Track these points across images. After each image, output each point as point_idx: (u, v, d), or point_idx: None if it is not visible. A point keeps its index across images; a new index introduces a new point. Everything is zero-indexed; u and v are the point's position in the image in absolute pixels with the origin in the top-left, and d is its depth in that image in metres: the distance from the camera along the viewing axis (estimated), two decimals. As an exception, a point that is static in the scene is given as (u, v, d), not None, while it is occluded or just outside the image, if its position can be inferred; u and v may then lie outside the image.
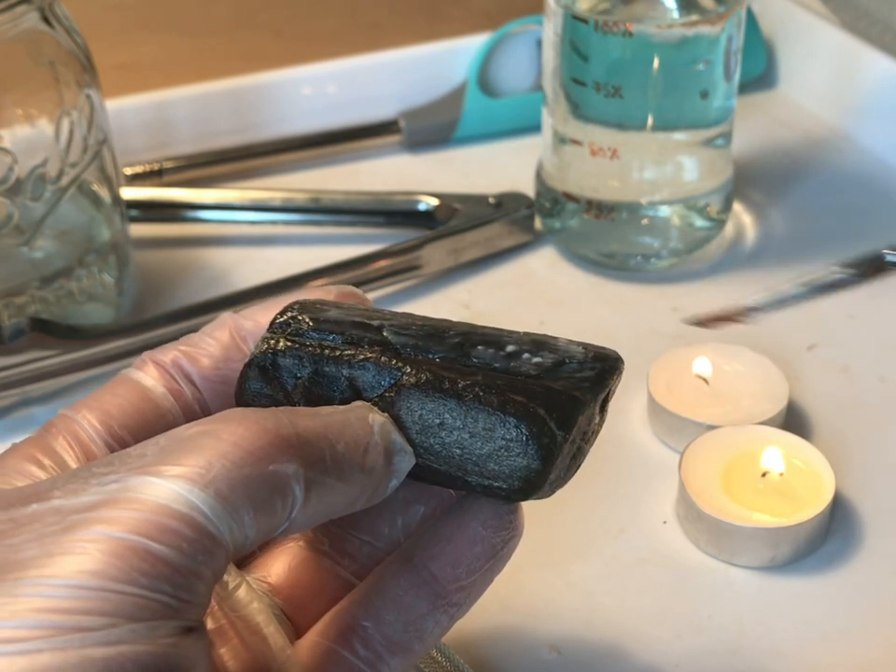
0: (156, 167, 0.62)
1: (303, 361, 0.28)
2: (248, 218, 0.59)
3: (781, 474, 0.41)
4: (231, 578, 0.29)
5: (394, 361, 0.28)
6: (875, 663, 0.37)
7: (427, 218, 0.58)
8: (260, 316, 0.30)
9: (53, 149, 0.47)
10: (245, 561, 0.31)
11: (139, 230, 0.58)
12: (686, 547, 0.41)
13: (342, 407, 0.27)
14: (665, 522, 0.42)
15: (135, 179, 0.61)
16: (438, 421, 0.27)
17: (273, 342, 0.29)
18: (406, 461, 0.27)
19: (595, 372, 0.28)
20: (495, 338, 0.29)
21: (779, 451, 0.41)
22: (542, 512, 0.42)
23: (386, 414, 0.27)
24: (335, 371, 0.28)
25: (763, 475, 0.41)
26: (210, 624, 0.28)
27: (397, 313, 0.30)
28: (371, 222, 0.59)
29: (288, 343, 0.29)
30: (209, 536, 0.22)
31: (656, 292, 0.54)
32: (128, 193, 0.58)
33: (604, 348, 0.29)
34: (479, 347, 0.28)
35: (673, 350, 0.47)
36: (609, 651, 0.38)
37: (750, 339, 0.48)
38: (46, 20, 0.46)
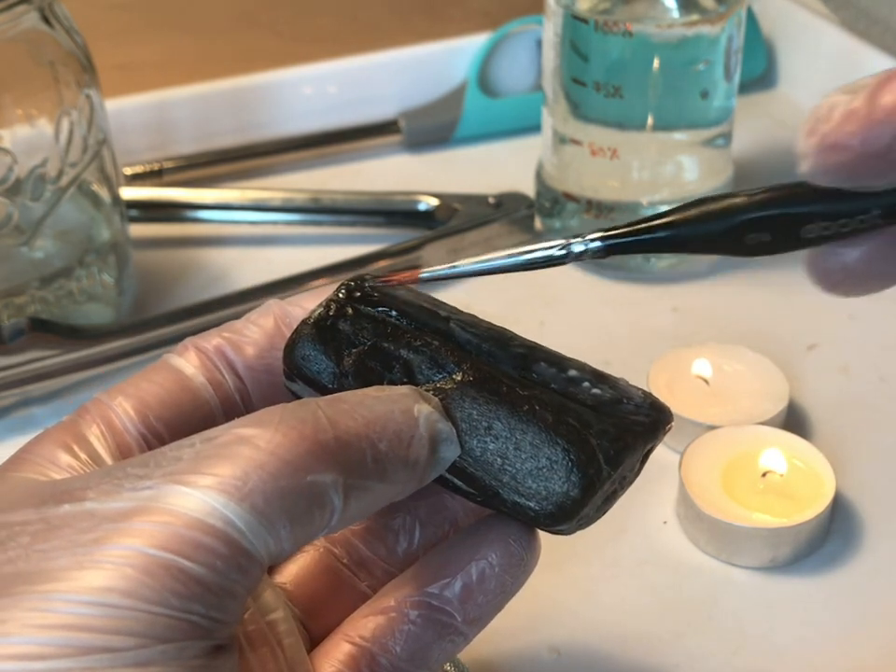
0: (156, 167, 0.62)
1: (364, 332, 0.27)
2: (248, 218, 0.59)
3: (782, 474, 0.41)
4: None
5: (455, 354, 0.27)
6: (875, 663, 0.37)
7: (427, 218, 0.58)
8: (308, 303, 0.29)
9: (53, 149, 0.47)
10: None
11: (139, 230, 0.57)
12: (686, 547, 0.41)
13: (388, 393, 0.26)
14: (665, 522, 0.42)
15: (135, 179, 0.61)
16: (486, 424, 0.26)
17: (336, 305, 0.27)
18: (451, 450, 0.26)
19: (651, 420, 0.28)
20: (558, 359, 0.28)
21: (780, 451, 0.41)
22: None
23: (437, 400, 0.26)
24: (393, 350, 0.27)
25: (764, 475, 0.41)
26: (242, 627, 0.27)
27: (463, 311, 0.29)
28: (371, 222, 0.59)
29: (352, 310, 0.27)
30: (244, 552, 0.22)
31: (656, 292, 0.54)
32: (128, 193, 0.58)
33: (659, 400, 0.29)
34: (542, 364, 0.28)
35: (673, 350, 0.47)
36: (609, 652, 0.38)
37: (750, 339, 0.48)
38: (46, 20, 0.46)
